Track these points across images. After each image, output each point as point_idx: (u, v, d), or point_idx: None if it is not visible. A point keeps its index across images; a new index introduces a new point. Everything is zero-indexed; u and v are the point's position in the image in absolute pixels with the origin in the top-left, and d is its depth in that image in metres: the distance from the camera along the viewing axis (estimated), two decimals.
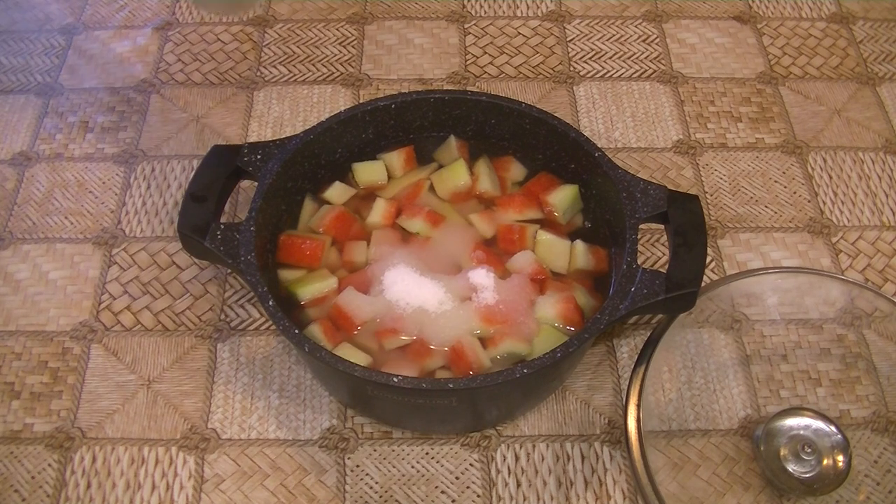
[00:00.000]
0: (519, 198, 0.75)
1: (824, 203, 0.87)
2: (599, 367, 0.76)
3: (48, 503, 0.69)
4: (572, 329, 0.68)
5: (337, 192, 0.76)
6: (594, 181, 0.74)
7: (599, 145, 0.73)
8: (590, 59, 0.99)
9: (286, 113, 0.94)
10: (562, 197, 0.75)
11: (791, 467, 0.68)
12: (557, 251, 0.72)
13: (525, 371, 0.60)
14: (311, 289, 0.70)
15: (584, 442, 0.72)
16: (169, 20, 1.03)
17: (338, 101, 0.95)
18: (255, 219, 0.67)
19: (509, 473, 0.70)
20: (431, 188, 0.77)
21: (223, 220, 0.69)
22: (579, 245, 0.72)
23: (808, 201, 0.87)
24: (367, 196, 0.77)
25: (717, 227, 0.85)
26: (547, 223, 0.75)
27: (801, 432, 0.70)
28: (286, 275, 0.71)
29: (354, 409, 0.73)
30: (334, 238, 0.74)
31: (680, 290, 0.64)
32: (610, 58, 0.99)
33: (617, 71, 0.98)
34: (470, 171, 0.77)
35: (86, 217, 0.86)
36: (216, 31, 1.02)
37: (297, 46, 1.00)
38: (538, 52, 1.00)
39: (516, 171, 0.78)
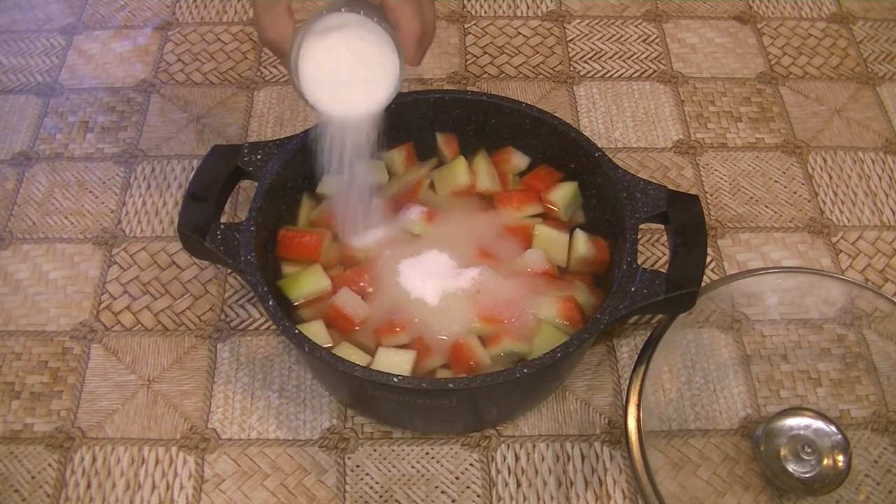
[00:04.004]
0: (518, 194, 0.75)
1: (824, 203, 0.87)
2: (599, 367, 0.76)
3: (48, 503, 0.69)
4: (572, 327, 0.68)
5: (330, 185, 0.76)
6: (594, 181, 0.73)
7: (599, 145, 0.73)
8: (590, 59, 0.99)
9: (286, 113, 0.94)
10: (563, 194, 0.75)
11: (791, 467, 0.68)
12: (556, 245, 0.72)
13: (525, 371, 0.59)
14: (304, 291, 0.70)
15: (584, 442, 0.71)
16: (169, 20, 1.03)
17: None
18: (255, 218, 0.67)
19: (509, 473, 0.70)
20: (431, 186, 0.77)
21: (223, 219, 0.69)
22: (579, 234, 0.72)
23: (808, 201, 0.87)
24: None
25: (717, 227, 0.85)
26: (549, 219, 0.75)
27: (801, 432, 0.69)
28: (284, 274, 0.71)
29: (354, 409, 0.73)
30: (335, 234, 0.73)
31: (680, 290, 0.64)
32: (610, 58, 0.99)
33: (617, 71, 0.98)
34: (469, 168, 0.77)
35: (86, 217, 0.86)
36: (216, 31, 1.02)
37: None
38: (538, 52, 1.00)
39: (517, 161, 0.78)
